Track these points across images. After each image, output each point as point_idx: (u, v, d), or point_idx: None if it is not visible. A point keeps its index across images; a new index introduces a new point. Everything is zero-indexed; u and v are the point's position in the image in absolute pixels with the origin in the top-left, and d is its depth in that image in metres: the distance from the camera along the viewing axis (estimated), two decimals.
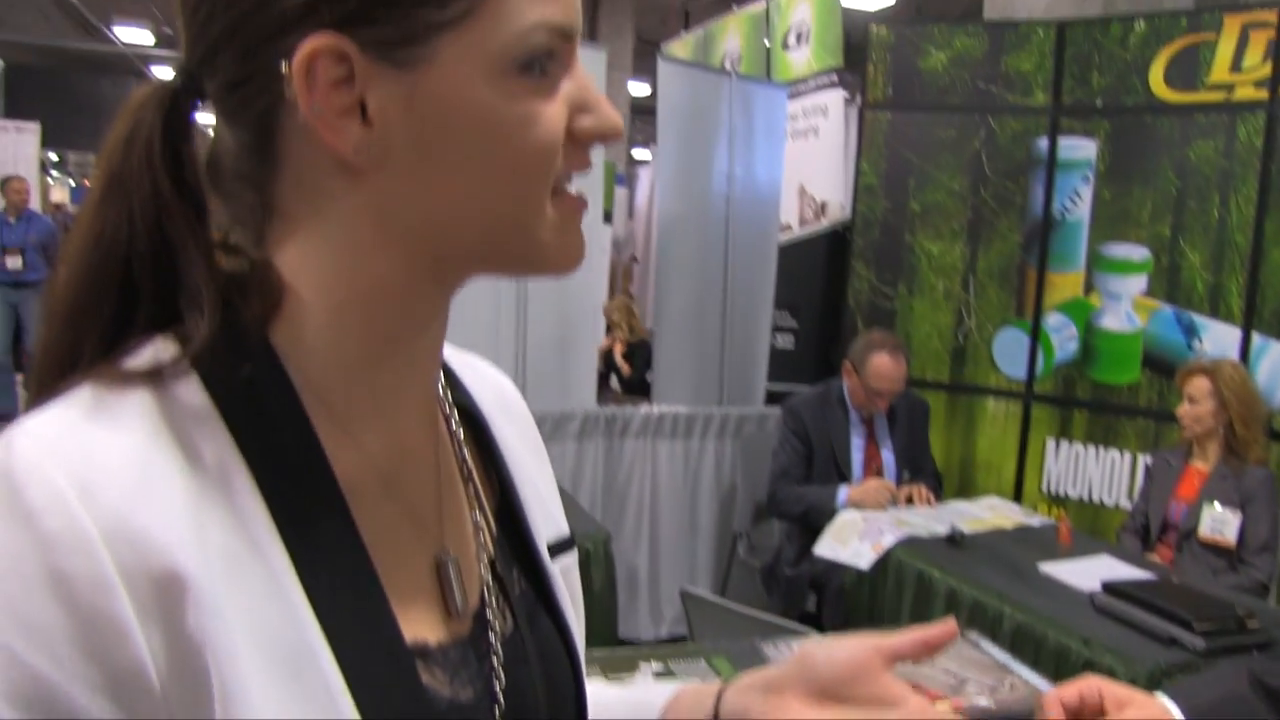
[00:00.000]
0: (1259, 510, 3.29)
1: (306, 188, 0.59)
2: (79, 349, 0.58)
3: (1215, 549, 3.30)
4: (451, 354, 0.78)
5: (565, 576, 0.77)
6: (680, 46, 7.39)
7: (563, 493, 3.39)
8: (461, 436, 0.73)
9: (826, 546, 3.31)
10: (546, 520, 0.77)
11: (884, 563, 3.12)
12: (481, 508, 0.71)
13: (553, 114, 0.59)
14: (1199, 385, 3.42)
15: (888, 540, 3.17)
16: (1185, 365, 3.58)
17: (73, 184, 20.65)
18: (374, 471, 0.63)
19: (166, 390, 0.56)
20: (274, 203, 0.61)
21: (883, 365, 3.69)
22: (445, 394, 0.73)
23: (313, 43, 0.55)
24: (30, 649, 0.49)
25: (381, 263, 0.60)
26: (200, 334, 0.57)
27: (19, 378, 7.05)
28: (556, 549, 0.77)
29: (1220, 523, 3.29)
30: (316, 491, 0.58)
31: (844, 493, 3.62)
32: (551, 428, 4.12)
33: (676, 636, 4.19)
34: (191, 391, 0.57)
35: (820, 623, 3.54)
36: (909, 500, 3.65)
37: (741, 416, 4.56)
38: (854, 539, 3.24)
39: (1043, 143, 4.37)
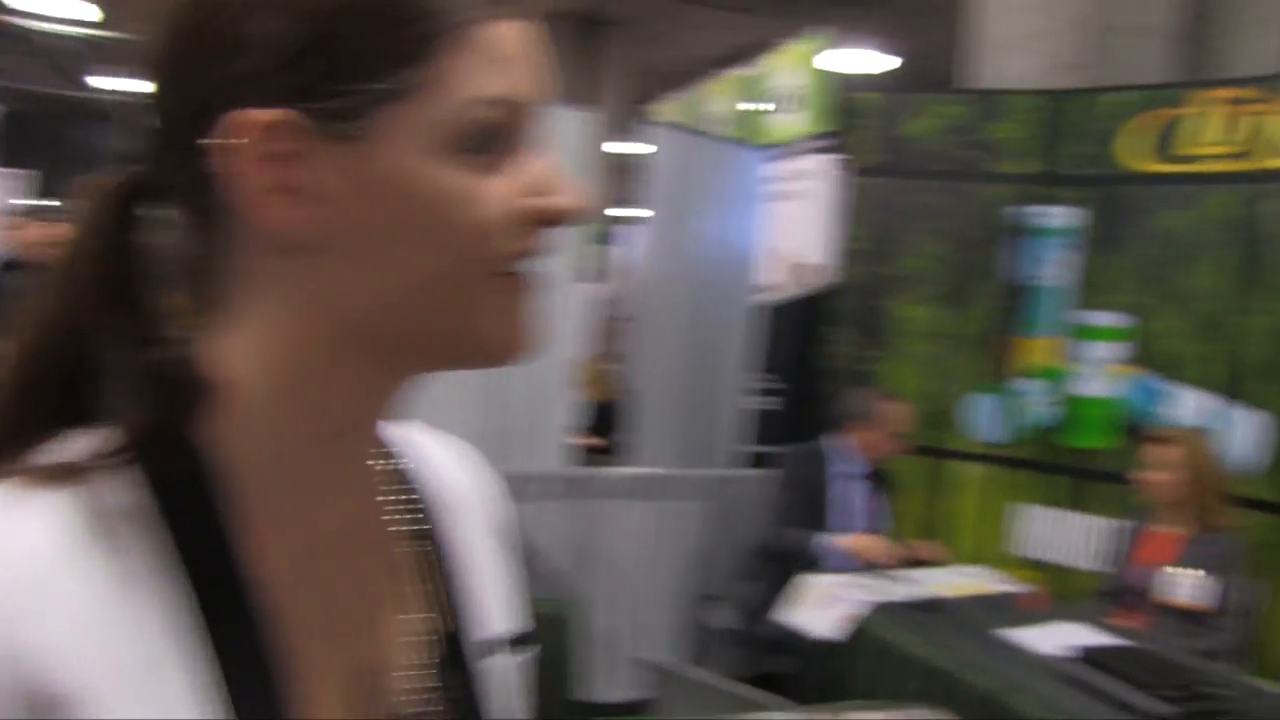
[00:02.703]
0: (1225, 575, 3.33)
1: (243, 271, 0.58)
2: (26, 425, 0.57)
3: (1188, 614, 3.32)
4: (412, 434, 0.73)
5: (510, 673, 0.73)
6: (670, 109, 7.49)
7: (532, 555, 3.33)
8: (412, 527, 0.69)
9: (795, 613, 3.31)
10: (498, 614, 0.73)
11: (860, 628, 3.10)
12: (428, 603, 0.68)
13: (495, 193, 0.57)
14: (1168, 453, 3.47)
15: (859, 607, 3.15)
16: (1153, 433, 3.64)
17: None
18: (303, 574, 0.60)
19: (84, 486, 0.54)
20: (214, 288, 0.59)
21: (896, 408, 3.94)
22: (399, 481, 0.70)
23: (251, 115, 0.53)
24: None
25: (323, 352, 0.58)
26: (112, 429, 0.55)
27: None
28: (506, 644, 0.73)
29: (1192, 588, 3.32)
30: (236, 598, 0.56)
31: (827, 539, 3.69)
32: (523, 488, 4.04)
33: (647, 699, 4.15)
34: (109, 488, 0.54)
35: (797, 687, 3.53)
36: (916, 562, 3.73)
37: (723, 478, 4.55)
38: (824, 605, 3.24)
39: (1025, 210, 4.43)
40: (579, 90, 11.36)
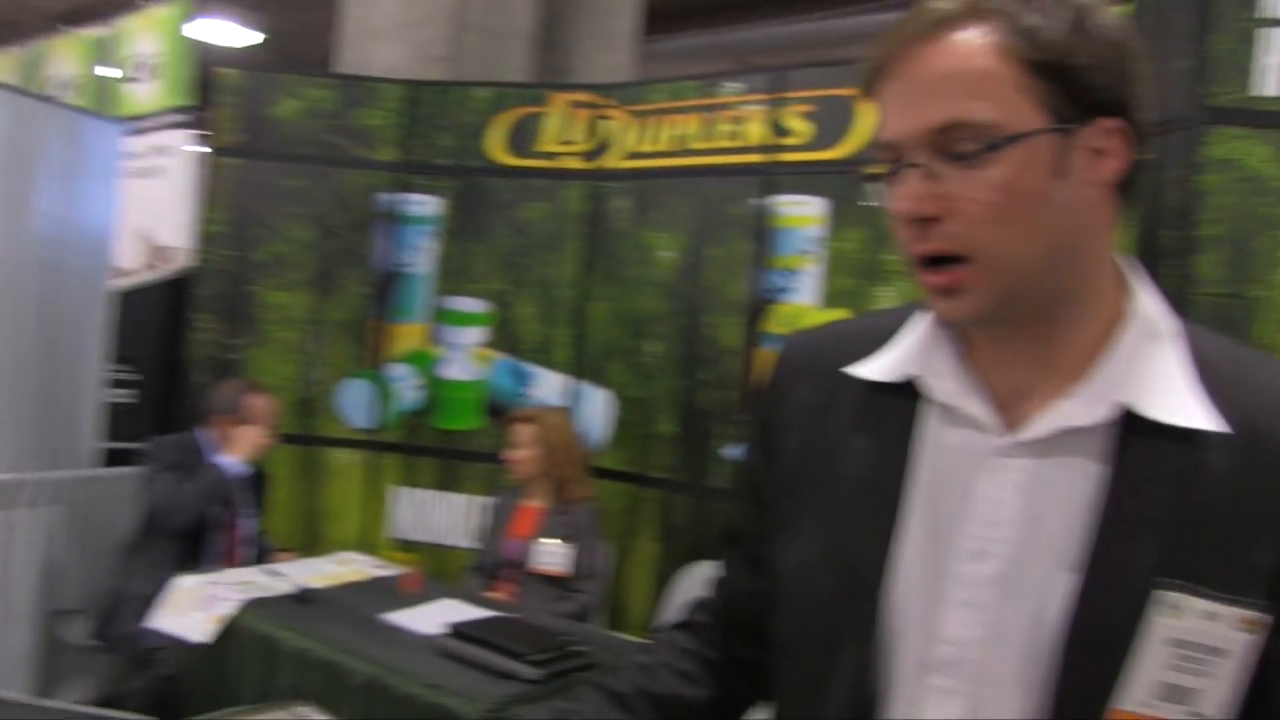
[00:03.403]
0: (586, 542, 3.61)
1: None
2: None
3: (555, 581, 3.56)
4: None
5: None
6: (2, 65, 6.65)
7: None
8: None
9: (163, 619, 3.09)
10: None
11: (235, 627, 2.94)
12: None
13: None
14: (526, 431, 3.70)
15: (228, 606, 2.99)
16: (512, 413, 3.86)
17: None
18: None
19: None
20: None
21: (263, 400, 3.87)
22: None
23: None
24: None
25: None
26: None
27: None
28: None
29: (553, 555, 3.56)
30: None
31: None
32: None
33: None
34: None
35: (172, 698, 3.29)
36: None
37: (80, 480, 4.13)
38: (196, 607, 3.05)
39: (390, 198, 4.48)
40: None
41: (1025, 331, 0.95)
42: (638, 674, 1.19)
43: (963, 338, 1.00)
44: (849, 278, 3.69)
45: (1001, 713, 0.93)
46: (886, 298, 3.58)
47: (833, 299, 3.72)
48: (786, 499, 1.08)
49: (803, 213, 3.81)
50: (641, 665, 1.20)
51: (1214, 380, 0.93)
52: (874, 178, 0.96)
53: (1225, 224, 2.65)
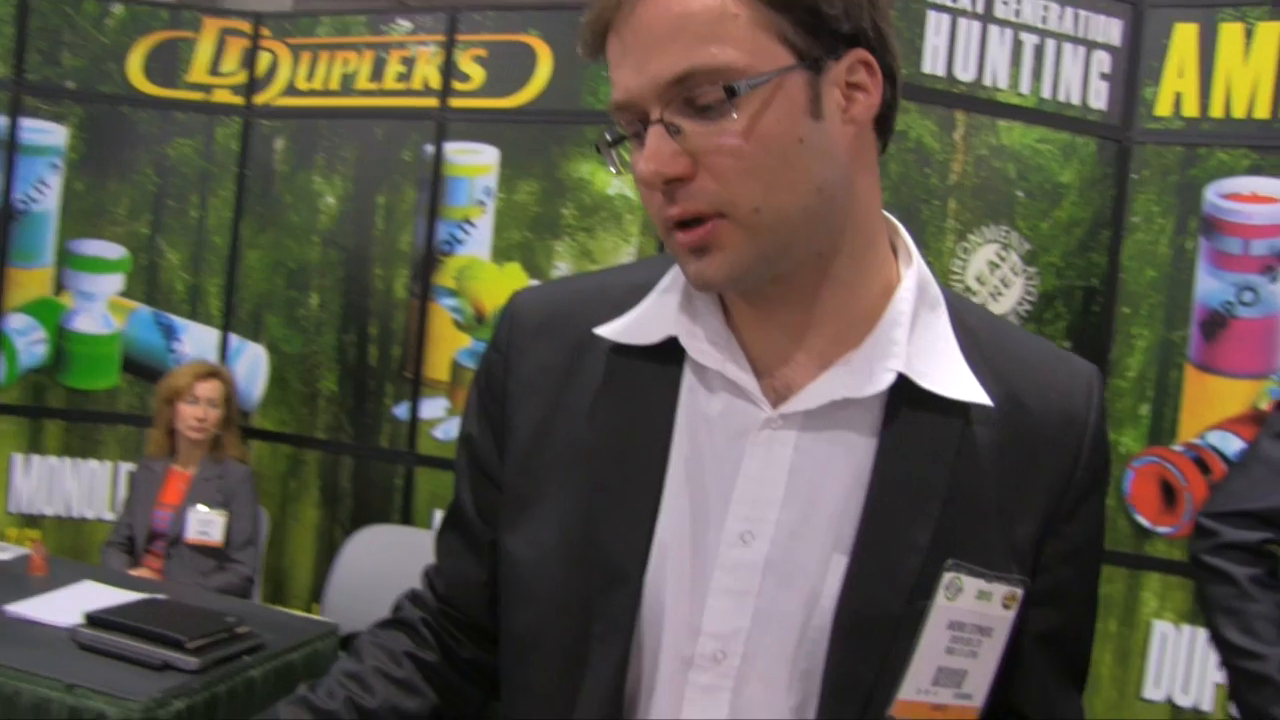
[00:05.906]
0: (241, 507, 3.40)
1: None
2: None
3: (203, 550, 3.31)
4: None
5: None
6: None
7: None
8: None
9: None
10: None
11: None
12: None
13: None
14: (215, 388, 3.42)
15: None
16: (196, 367, 3.53)
17: None
18: None
19: None
20: None
21: None
22: None
23: None
24: None
25: None
26: None
27: None
28: None
29: (205, 524, 3.33)
30: None
31: None
32: None
33: None
34: None
35: None
36: None
37: None
38: None
39: (2, 122, 3.94)
40: None
41: (794, 291, 0.87)
42: (347, 684, 1.05)
43: (723, 296, 0.92)
44: (521, 231, 3.63)
45: (769, 710, 0.87)
46: (560, 252, 3.55)
47: (505, 252, 3.66)
48: (521, 477, 0.97)
49: (475, 161, 3.71)
50: (350, 674, 1.06)
51: (979, 351, 0.90)
52: (614, 143, 0.87)
53: (895, 192, 2.80)
